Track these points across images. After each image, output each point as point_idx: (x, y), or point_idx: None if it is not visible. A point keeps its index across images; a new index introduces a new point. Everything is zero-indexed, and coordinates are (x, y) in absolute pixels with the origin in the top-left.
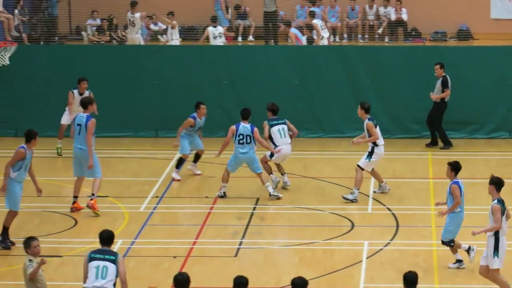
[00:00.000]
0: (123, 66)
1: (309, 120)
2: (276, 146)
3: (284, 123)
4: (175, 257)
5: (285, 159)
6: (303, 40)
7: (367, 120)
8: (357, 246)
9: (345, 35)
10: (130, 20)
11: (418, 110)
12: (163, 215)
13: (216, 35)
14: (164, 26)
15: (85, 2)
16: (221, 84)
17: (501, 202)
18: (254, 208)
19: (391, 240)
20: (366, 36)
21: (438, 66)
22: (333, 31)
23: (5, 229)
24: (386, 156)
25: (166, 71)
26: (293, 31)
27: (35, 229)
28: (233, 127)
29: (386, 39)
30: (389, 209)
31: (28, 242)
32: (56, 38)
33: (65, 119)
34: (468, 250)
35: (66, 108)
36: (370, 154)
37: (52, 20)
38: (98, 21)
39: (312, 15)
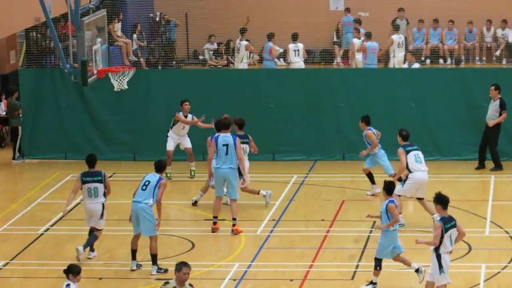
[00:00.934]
0: (240, 89)
1: (426, 143)
2: None
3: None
4: (291, 280)
5: None
6: (371, 58)
7: (400, 146)
8: (474, 269)
9: (462, 57)
10: (237, 46)
11: None
12: (279, 238)
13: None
14: (281, 50)
15: (203, 26)
16: (338, 106)
17: (443, 220)
18: (371, 231)
19: (508, 263)
20: (484, 58)
21: (493, 88)
22: (451, 53)
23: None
24: (506, 179)
25: (283, 94)
26: (368, 44)
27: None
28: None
29: (504, 61)
30: (507, 232)
31: (180, 267)
32: (174, 62)
33: (171, 145)
34: (417, 271)
35: (168, 134)
36: (405, 181)
37: (169, 45)
38: (215, 45)
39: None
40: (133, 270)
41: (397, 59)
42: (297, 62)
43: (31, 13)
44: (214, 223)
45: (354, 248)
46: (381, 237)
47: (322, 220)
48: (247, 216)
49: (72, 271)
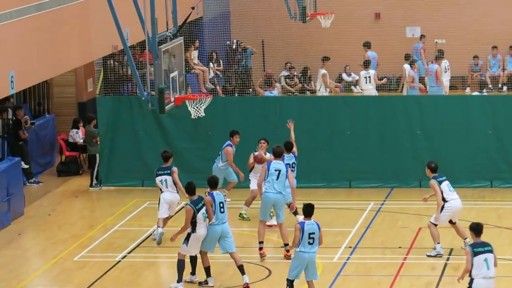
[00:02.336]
0: (317, 116)
1: (503, 170)
2: None
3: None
4: None
5: None
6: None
7: (431, 179)
8: None
9: None
10: (319, 74)
11: None
12: (356, 265)
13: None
14: (357, 77)
15: (279, 53)
16: (414, 133)
17: (473, 245)
18: (448, 259)
19: None
20: None
21: None
22: None
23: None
24: None
25: (359, 121)
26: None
27: (229, 279)
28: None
29: None
30: None
31: None
32: (251, 89)
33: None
34: None
35: (250, 176)
36: (441, 210)
37: (246, 72)
38: (289, 73)
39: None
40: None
41: (443, 83)
42: (369, 89)
43: (108, 41)
44: (260, 249)
45: (431, 276)
46: (292, 259)
47: (399, 247)
48: (324, 243)
49: None
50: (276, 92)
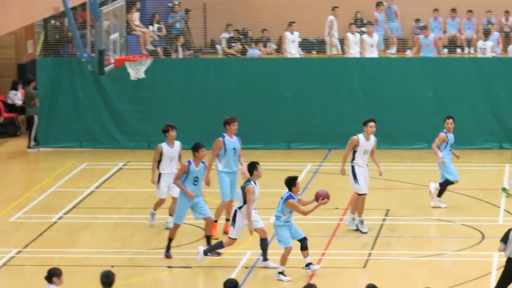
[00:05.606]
0: (257, 78)
1: None
2: None
3: None
4: (303, 267)
5: None
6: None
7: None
8: (487, 258)
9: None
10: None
11: None
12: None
13: None
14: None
15: (220, 15)
16: (355, 96)
17: None
18: (384, 220)
19: None
20: (501, 47)
21: None
22: (468, 43)
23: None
24: None
25: (300, 83)
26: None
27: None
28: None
29: None
30: None
31: None
32: (191, 51)
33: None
34: None
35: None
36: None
37: (184, 34)
38: (232, 34)
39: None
40: None
41: (351, 55)
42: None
43: (49, 2)
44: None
45: (367, 237)
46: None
47: (336, 208)
48: (260, 204)
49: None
50: (257, 51)
